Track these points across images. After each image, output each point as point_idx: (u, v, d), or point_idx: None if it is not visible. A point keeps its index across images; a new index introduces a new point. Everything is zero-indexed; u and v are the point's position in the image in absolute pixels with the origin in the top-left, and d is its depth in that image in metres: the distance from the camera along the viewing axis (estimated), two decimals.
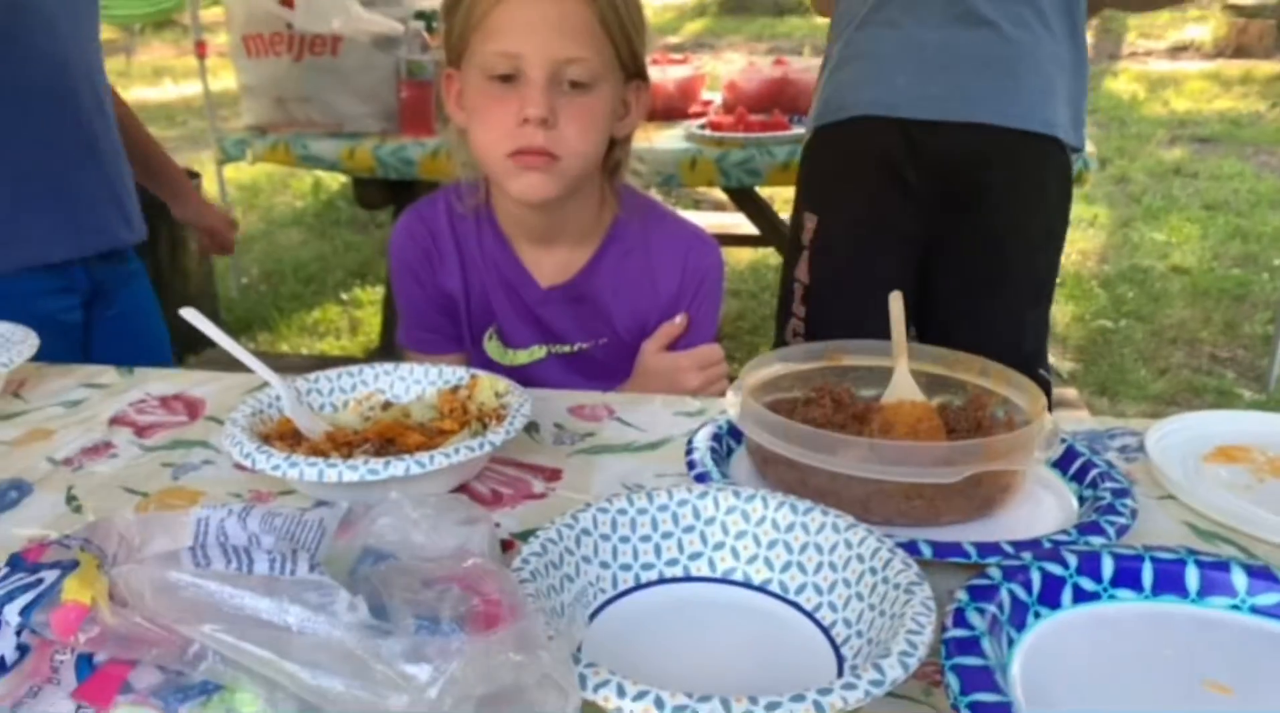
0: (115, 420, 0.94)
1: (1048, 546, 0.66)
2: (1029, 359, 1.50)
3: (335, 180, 5.16)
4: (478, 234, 1.15)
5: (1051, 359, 3.29)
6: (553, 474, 0.84)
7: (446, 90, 1.10)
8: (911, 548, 0.65)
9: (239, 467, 0.84)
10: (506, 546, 0.72)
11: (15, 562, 0.48)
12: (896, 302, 0.90)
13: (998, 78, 1.48)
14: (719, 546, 0.66)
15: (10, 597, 0.45)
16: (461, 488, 0.80)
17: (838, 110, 1.55)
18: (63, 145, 1.35)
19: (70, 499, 0.79)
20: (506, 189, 1.05)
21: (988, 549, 0.66)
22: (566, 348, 1.16)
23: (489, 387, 0.88)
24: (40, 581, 0.45)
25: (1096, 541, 0.68)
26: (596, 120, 1.03)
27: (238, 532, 0.57)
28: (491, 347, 1.17)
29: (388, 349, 3.19)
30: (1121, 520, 0.71)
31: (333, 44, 2.26)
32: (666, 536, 0.66)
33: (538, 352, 1.16)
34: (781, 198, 4.44)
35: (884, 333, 0.90)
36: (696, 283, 1.15)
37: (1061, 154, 1.53)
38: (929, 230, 1.54)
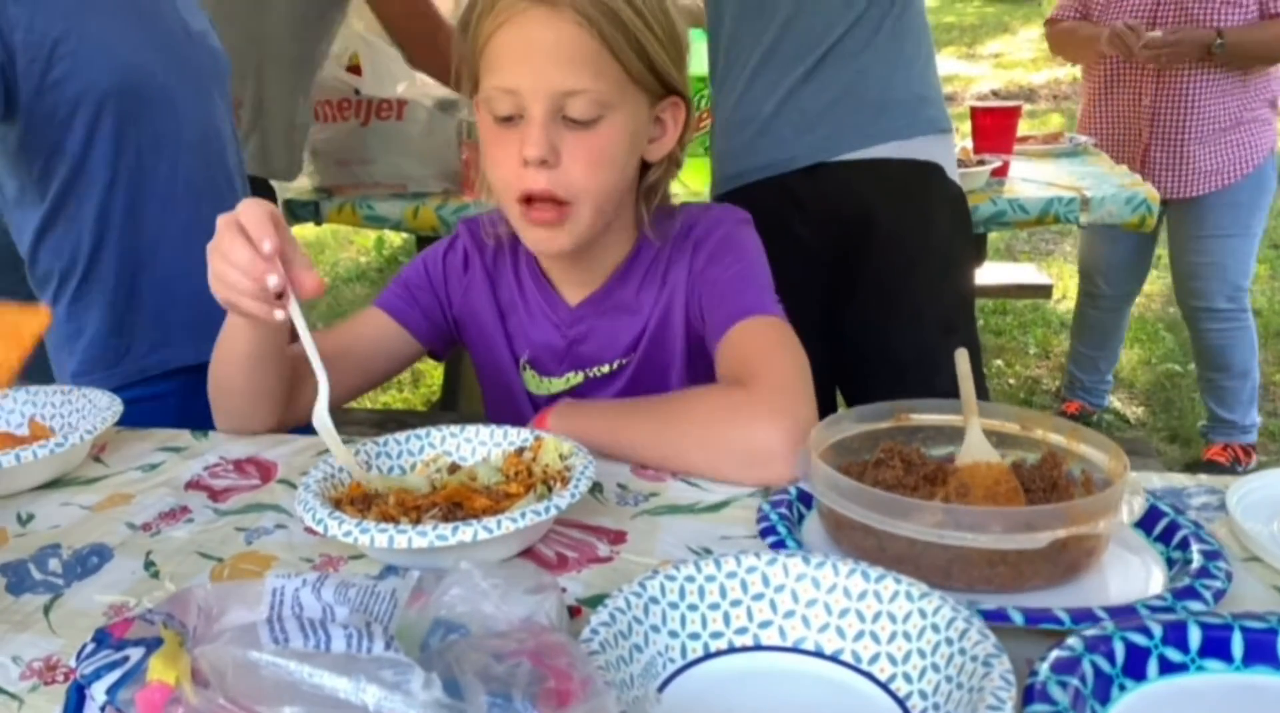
0: (191, 485, 0.96)
1: (1144, 612, 0.64)
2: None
3: (398, 236, 5.28)
4: (512, 259, 1.14)
5: (1118, 403, 3.23)
6: (617, 537, 0.83)
7: (470, 162, 1.10)
8: (1000, 616, 0.64)
9: (310, 531, 0.85)
10: (574, 612, 0.71)
11: (102, 638, 0.50)
12: (963, 359, 0.89)
13: (858, 111, 1.54)
14: (789, 614, 0.65)
15: (97, 675, 0.46)
16: (527, 551, 0.81)
17: (732, 179, 1.61)
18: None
19: (148, 565, 0.81)
20: (522, 239, 1.04)
21: (1081, 616, 0.64)
22: (602, 370, 1.13)
23: (554, 449, 0.89)
24: (126, 658, 0.46)
25: (1196, 606, 0.65)
26: (606, 156, 0.96)
27: (312, 603, 0.57)
28: (528, 377, 1.16)
29: (450, 402, 3.24)
30: (1217, 584, 0.69)
31: (398, 108, 2.32)
32: (735, 603, 0.65)
33: (574, 378, 1.14)
34: None
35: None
36: (706, 254, 1.07)
37: (944, 179, 1.56)
38: (831, 278, 1.58)
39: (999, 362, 3.74)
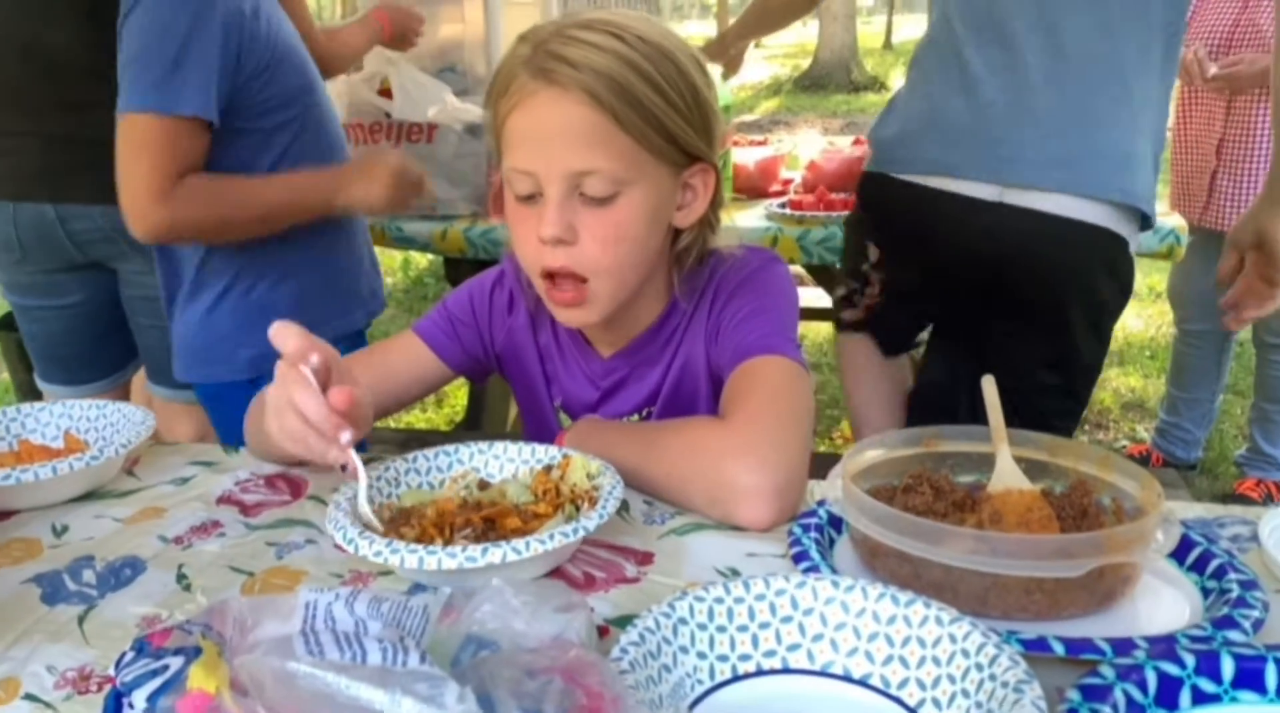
0: (222, 499, 0.97)
1: (1183, 642, 0.63)
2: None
3: (423, 258, 5.32)
4: (553, 319, 1.13)
5: (1146, 434, 3.19)
6: (644, 558, 0.84)
7: (497, 187, 1.10)
8: (1041, 645, 0.63)
9: (340, 548, 0.86)
10: (601, 632, 0.72)
11: (141, 647, 0.50)
12: (990, 387, 0.89)
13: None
14: (818, 637, 0.65)
15: (138, 682, 0.47)
16: (555, 571, 0.81)
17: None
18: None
19: (180, 578, 0.82)
20: (550, 310, 1.03)
21: (1122, 646, 0.63)
22: (631, 420, 1.13)
23: (581, 467, 0.89)
24: (166, 667, 0.47)
25: (1234, 636, 0.65)
26: (624, 232, 0.95)
27: (345, 617, 0.58)
28: (562, 418, 1.17)
29: (473, 421, 3.25)
30: (1256, 614, 0.68)
31: (428, 132, 2.35)
32: (764, 626, 0.65)
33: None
34: None
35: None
36: (725, 295, 1.06)
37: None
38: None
39: None
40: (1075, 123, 1.37)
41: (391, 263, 5.62)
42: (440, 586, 0.78)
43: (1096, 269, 1.44)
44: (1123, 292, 1.50)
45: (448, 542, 0.79)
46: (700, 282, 1.08)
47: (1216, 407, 2.95)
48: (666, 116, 0.94)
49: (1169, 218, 2.12)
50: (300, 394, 0.79)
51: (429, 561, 0.73)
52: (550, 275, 0.97)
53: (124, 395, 1.88)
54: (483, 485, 0.92)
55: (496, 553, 0.73)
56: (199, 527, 0.91)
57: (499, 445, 0.95)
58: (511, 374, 1.19)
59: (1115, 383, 3.75)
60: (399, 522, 0.83)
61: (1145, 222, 1.45)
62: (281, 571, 0.83)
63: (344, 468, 0.83)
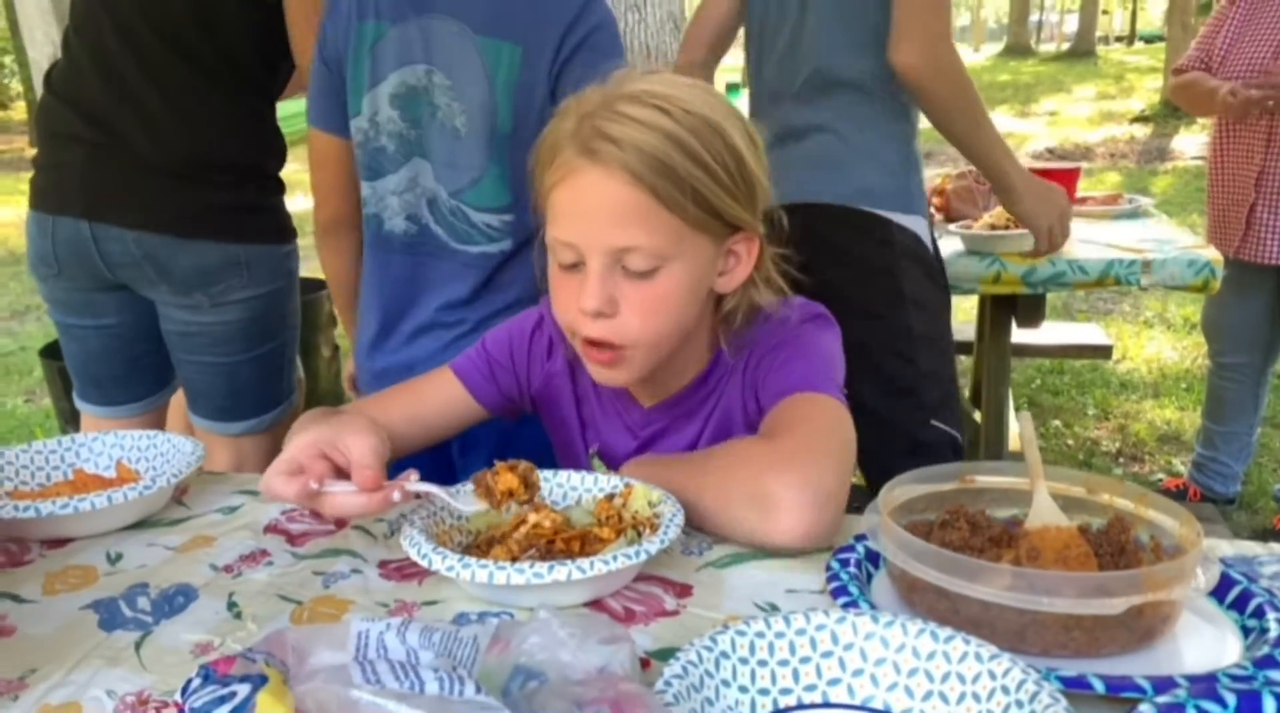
0: (269, 529, 1.00)
1: (1224, 681, 0.64)
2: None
3: None
4: None
5: (1183, 468, 3.16)
6: (683, 590, 0.85)
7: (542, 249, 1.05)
8: (1081, 683, 0.64)
9: (388, 574, 0.88)
10: (643, 664, 0.73)
11: (208, 674, 0.52)
12: (1027, 423, 0.89)
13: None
14: (858, 672, 0.66)
15: (206, 709, 0.48)
16: (595, 604, 0.82)
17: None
18: None
19: (231, 605, 0.84)
20: (586, 368, 1.04)
21: (1162, 684, 0.64)
22: None
23: (643, 496, 0.92)
24: (233, 694, 0.49)
25: (1276, 675, 0.65)
26: (663, 305, 0.96)
27: (397, 646, 0.60)
28: (596, 464, 1.17)
29: None
30: None
31: None
32: (805, 660, 0.66)
33: None
34: None
35: None
36: (765, 349, 1.06)
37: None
38: None
39: (1057, 422, 3.69)
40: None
41: None
42: (504, 605, 0.82)
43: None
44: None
45: (514, 561, 0.82)
46: (746, 338, 1.07)
47: (1254, 440, 2.92)
48: (709, 191, 0.94)
49: (1204, 251, 2.11)
50: (338, 504, 0.87)
51: (499, 576, 0.76)
52: (586, 342, 0.99)
53: (157, 421, 1.89)
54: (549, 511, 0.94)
55: (562, 571, 0.76)
56: (248, 555, 0.94)
57: (564, 474, 0.98)
58: (548, 418, 1.20)
59: (1151, 415, 3.72)
60: (473, 552, 0.87)
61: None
62: (329, 599, 0.85)
63: (416, 496, 0.89)
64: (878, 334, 1.62)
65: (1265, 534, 2.69)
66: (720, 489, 0.92)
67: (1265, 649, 0.69)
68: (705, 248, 0.98)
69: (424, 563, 0.80)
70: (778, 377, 1.03)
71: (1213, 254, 2.08)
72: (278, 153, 1.77)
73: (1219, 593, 0.78)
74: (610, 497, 0.93)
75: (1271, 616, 0.73)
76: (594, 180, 0.92)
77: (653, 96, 0.93)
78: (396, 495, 0.86)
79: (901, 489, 0.87)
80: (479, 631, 0.63)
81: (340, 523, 1.00)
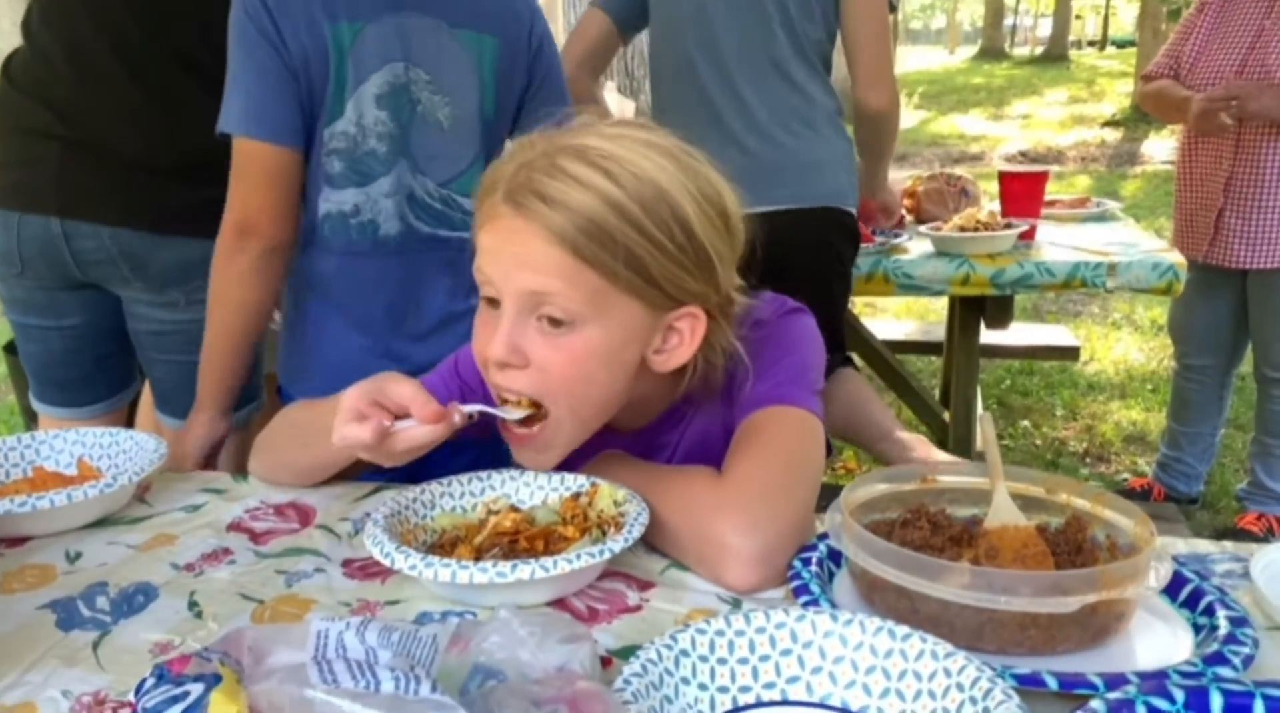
0: (232, 527, 0.99)
1: (1174, 677, 0.65)
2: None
3: None
4: None
5: (1148, 468, 3.20)
6: (646, 585, 0.85)
7: None
8: (1035, 680, 0.65)
9: (350, 574, 0.88)
10: (604, 662, 0.73)
11: (161, 673, 0.52)
12: (988, 424, 0.90)
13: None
14: (816, 670, 0.67)
15: (159, 708, 0.48)
16: (559, 603, 0.83)
17: None
18: None
19: (192, 604, 0.83)
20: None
21: (1114, 681, 0.65)
22: None
23: (609, 495, 0.92)
24: (186, 693, 0.49)
25: (1225, 672, 0.66)
26: (583, 362, 0.89)
27: (356, 645, 0.60)
28: None
29: None
30: (1246, 651, 0.70)
31: None
32: (764, 658, 0.67)
33: None
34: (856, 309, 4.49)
35: None
36: (747, 361, 0.99)
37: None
38: None
39: (1025, 422, 3.73)
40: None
41: None
42: (467, 604, 0.81)
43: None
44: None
45: (477, 559, 0.82)
46: (707, 385, 1.01)
47: (1218, 441, 2.96)
48: (651, 258, 0.88)
49: (1168, 254, 2.14)
50: (410, 442, 0.90)
51: (461, 575, 0.76)
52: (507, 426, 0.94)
53: (120, 421, 1.87)
54: (514, 510, 0.94)
55: (525, 570, 0.76)
56: (210, 554, 0.93)
57: (530, 473, 0.98)
58: None
59: (1117, 416, 3.77)
60: (437, 551, 0.87)
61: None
62: (291, 599, 0.84)
63: (471, 417, 0.92)
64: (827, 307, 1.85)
65: (1227, 533, 2.73)
66: (671, 526, 0.89)
67: (1215, 647, 0.70)
68: (636, 315, 0.91)
69: (387, 562, 0.80)
70: (754, 384, 0.99)
71: (1176, 258, 2.11)
72: None
73: (1172, 591, 0.80)
74: (576, 495, 0.93)
75: (1221, 613, 0.74)
76: (516, 229, 0.88)
77: (601, 154, 0.87)
78: (457, 419, 0.89)
79: (864, 489, 0.88)
80: (439, 630, 0.63)
81: (305, 518, 0.99)
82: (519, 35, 1.45)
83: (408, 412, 0.89)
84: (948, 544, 0.84)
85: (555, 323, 0.88)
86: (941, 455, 1.16)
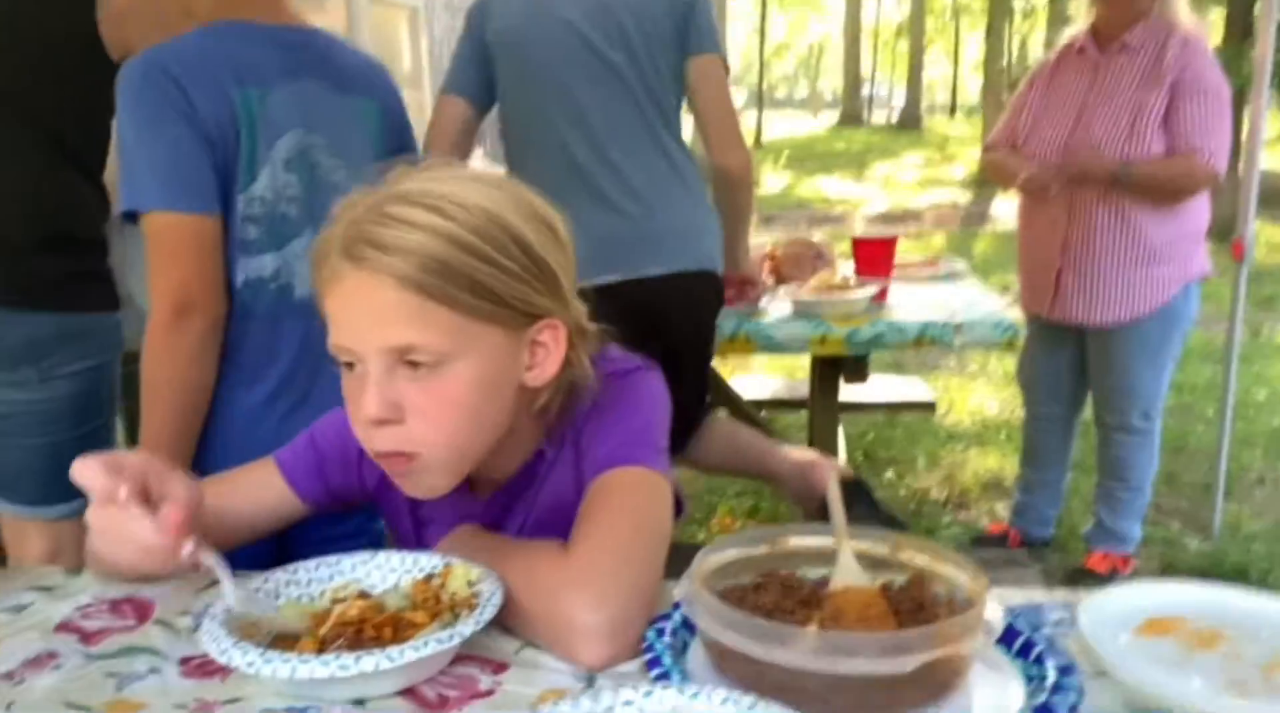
0: (61, 627, 0.93)
1: None
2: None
3: None
4: None
5: (1005, 513, 3.35)
6: (499, 667, 0.84)
7: None
8: None
9: (189, 673, 0.83)
10: None
11: None
12: (834, 485, 0.94)
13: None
14: None
15: None
16: (409, 692, 0.80)
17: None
18: None
19: None
20: None
21: None
22: None
23: (462, 575, 0.90)
24: None
25: None
26: (452, 406, 0.89)
27: None
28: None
29: None
30: (1071, 699, 0.73)
31: None
32: None
33: None
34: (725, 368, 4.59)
35: None
36: (586, 418, 1.02)
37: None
38: None
39: (890, 473, 3.86)
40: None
41: None
42: (313, 699, 0.78)
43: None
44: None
45: (321, 652, 0.79)
46: (569, 417, 1.03)
47: (1066, 485, 3.13)
48: (495, 281, 0.89)
49: (1009, 312, 2.28)
50: (129, 528, 0.79)
51: (301, 670, 0.73)
52: (377, 455, 0.92)
53: None
54: (363, 596, 0.91)
55: (370, 661, 0.73)
56: (33, 660, 0.87)
57: (381, 555, 0.95)
58: (386, 512, 1.14)
59: (974, 464, 3.94)
60: (279, 643, 0.83)
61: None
62: (121, 703, 0.79)
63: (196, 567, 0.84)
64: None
65: (1076, 573, 2.87)
66: (523, 600, 0.88)
67: (1043, 697, 0.74)
68: (498, 341, 0.91)
69: (223, 659, 0.76)
70: (599, 444, 1.00)
71: (1016, 315, 2.25)
72: (106, 217, 1.69)
73: (1008, 641, 0.83)
74: (429, 578, 0.91)
75: (1050, 663, 0.78)
76: (358, 284, 0.87)
77: (426, 195, 0.89)
78: (186, 550, 0.81)
79: (716, 555, 0.89)
80: None
81: (143, 614, 0.94)
82: (393, 102, 1.57)
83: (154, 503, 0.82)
84: (799, 607, 0.86)
85: (422, 367, 0.87)
86: (813, 455, 1.22)
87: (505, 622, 0.89)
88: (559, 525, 1.02)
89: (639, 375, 1.07)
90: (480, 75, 2.11)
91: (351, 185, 1.37)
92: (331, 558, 0.94)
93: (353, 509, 1.14)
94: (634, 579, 0.87)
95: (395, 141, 1.57)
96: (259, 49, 1.40)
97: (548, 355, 0.95)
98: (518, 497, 1.06)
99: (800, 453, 1.25)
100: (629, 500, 0.95)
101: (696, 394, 2.17)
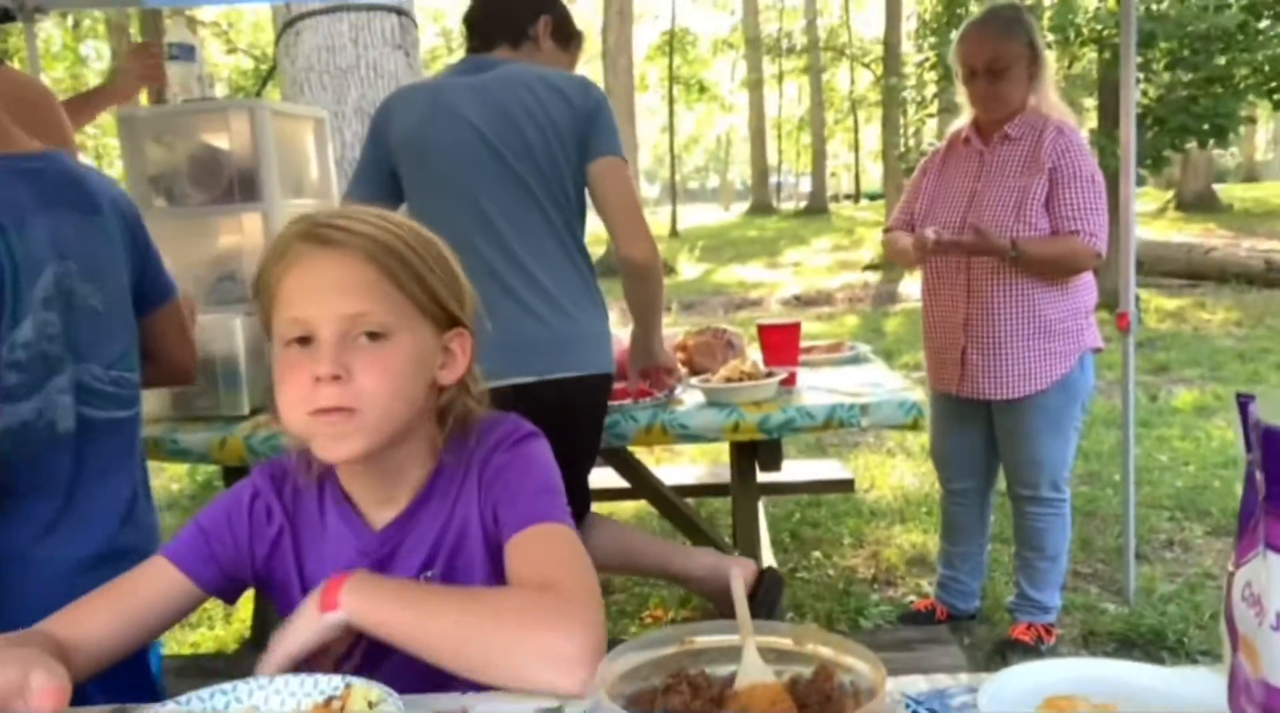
0: None
1: None
2: None
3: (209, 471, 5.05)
4: (318, 493, 1.15)
5: (930, 588, 3.39)
6: None
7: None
8: None
9: None
10: None
11: None
12: (736, 581, 0.94)
13: None
14: None
15: None
16: None
17: None
18: None
19: None
20: (315, 451, 1.05)
21: None
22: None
23: (362, 696, 0.88)
24: None
25: None
26: (393, 367, 1.03)
27: None
28: None
29: (261, 639, 3.05)
30: None
31: None
32: None
33: None
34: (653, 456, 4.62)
35: None
36: (497, 463, 1.13)
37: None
38: None
39: (817, 553, 3.88)
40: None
41: (178, 470, 5.30)
42: None
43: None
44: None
45: None
46: (468, 446, 1.15)
47: (986, 557, 3.18)
48: (431, 278, 1.06)
49: (911, 392, 2.35)
50: None
51: None
52: (318, 411, 1.01)
53: None
54: None
55: None
56: None
57: (280, 679, 0.92)
58: (275, 592, 1.16)
59: (899, 540, 3.99)
60: None
61: None
62: None
63: None
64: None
65: (1003, 644, 2.90)
66: (486, 637, 0.95)
67: None
68: (428, 334, 1.08)
69: None
70: (514, 506, 1.10)
71: (918, 395, 2.32)
72: None
73: None
74: (328, 701, 0.89)
75: None
76: (326, 257, 1.02)
77: (368, 210, 1.08)
78: None
79: (623, 659, 0.88)
80: None
81: None
82: (131, 210, 1.54)
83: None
84: (709, 707, 0.86)
85: (373, 337, 1.02)
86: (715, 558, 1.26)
87: (461, 670, 0.95)
88: (459, 564, 1.12)
89: (537, 440, 1.19)
90: (384, 178, 2.15)
91: (110, 308, 1.44)
92: (228, 685, 0.91)
93: (237, 594, 1.16)
94: (599, 613, 0.98)
95: (142, 252, 1.54)
96: (7, 184, 1.33)
97: (455, 361, 1.11)
98: (410, 528, 1.12)
99: (712, 556, 1.33)
100: (566, 550, 1.06)
101: (584, 491, 2.25)
